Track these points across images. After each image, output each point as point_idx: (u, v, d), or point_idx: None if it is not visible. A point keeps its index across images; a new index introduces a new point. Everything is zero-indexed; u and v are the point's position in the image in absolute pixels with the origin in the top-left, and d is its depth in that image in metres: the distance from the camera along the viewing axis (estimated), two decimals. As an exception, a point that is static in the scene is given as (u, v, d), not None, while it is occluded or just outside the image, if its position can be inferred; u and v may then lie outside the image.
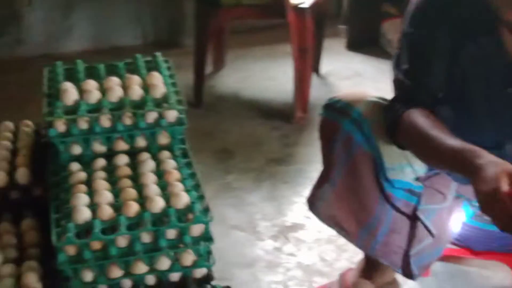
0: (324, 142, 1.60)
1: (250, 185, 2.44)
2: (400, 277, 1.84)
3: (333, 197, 1.58)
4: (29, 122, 2.00)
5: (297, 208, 2.29)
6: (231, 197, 2.37)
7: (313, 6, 2.78)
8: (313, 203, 1.62)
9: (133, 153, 1.75)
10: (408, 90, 1.48)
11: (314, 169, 2.46)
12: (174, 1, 3.57)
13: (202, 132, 2.73)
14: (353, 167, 1.54)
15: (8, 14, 3.40)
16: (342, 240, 2.09)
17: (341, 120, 1.53)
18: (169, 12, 3.60)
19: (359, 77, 3.27)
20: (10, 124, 1.98)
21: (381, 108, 1.52)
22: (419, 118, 1.41)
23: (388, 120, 1.48)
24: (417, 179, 1.57)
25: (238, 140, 2.74)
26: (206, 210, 1.56)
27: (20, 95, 3.03)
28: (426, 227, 1.61)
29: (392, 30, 3.43)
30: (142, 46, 3.52)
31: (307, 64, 2.80)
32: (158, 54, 1.97)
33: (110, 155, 1.73)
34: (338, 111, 1.55)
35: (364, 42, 3.54)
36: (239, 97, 3.11)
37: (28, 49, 3.48)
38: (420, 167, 1.55)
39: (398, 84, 1.51)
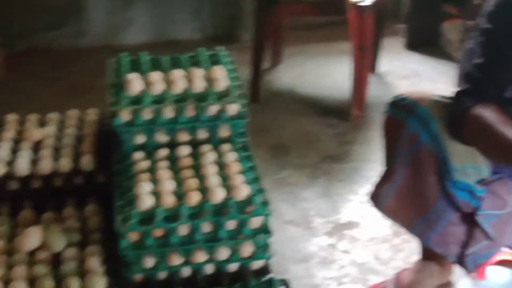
0: (388, 139, 1.60)
1: (304, 181, 2.45)
2: (454, 279, 1.84)
3: (394, 193, 1.59)
4: (94, 111, 2.04)
5: (352, 206, 2.29)
6: (286, 192, 2.38)
7: (373, 4, 2.77)
8: (376, 199, 1.62)
9: (194, 144, 1.78)
10: (479, 83, 1.47)
11: (370, 167, 2.46)
12: (233, -4, 3.60)
13: (257, 127, 2.75)
14: (417, 165, 1.53)
15: (71, 5, 3.48)
16: (398, 240, 2.09)
17: (406, 118, 1.53)
18: (228, 7, 3.63)
19: (417, 77, 3.24)
20: (75, 112, 2.04)
21: (447, 107, 1.51)
22: (490, 113, 1.40)
23: (454, 113, 1.47)
24: (480, 181, 1.55)
25: (294, 136, 2.75)
26: (265, 203, 1.57)
27: (81, 84, 3.10)
28: (484, 231, 1.60)
29: (452, 31, 3.39)
30: (200, 40, 3.56)
31: (365, 63, 2.79)
32: (221, 48, 1.99)
33: (172, 145, 1.77)
34: (403, 109, 1.54)
35: (423, 42, 3.50)
36: (295, 93, 3.12)
37: (89, 40, 3.55)
38: (484, 168, 1.54)
39: (468, 77, 1.50)
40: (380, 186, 1.63)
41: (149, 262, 1.54)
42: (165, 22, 3.65)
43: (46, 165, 1.76)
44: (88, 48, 3.50)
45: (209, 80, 1.81)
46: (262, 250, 1.60)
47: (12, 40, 3.36)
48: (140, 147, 1.75)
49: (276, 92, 3.12)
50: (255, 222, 1.57)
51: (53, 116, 2.00)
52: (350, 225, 2.19)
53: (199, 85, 1.78)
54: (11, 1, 3.35)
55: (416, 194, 1.58)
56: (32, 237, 1.60)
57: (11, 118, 1.98)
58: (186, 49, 2.01)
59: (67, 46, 3.49)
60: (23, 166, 1.75)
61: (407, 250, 2.04)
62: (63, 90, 3.05)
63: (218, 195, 1.56)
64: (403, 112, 1.54)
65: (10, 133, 1.89)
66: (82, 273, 1.53)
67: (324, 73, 3.29)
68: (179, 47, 3.30)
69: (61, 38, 3.50)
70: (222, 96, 1.76)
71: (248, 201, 1.56)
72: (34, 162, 1.79)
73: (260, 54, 3.04)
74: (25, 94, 2.99)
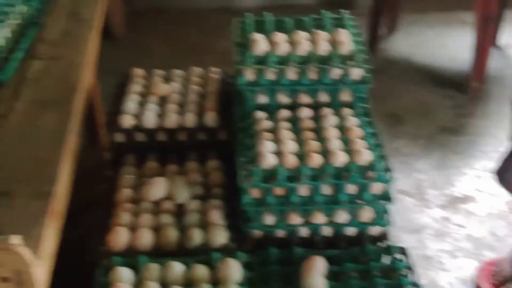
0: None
1: (419, 152, 2.41)
2: None
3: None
4: (216, 70, 2.08)
5: (468, 180, 2.24)
6: (399, 162, 2.35)
7: (501, -27, 2.66)
8: (501, 175, 1.58)
9: (315, 107, 1.78)
10: None
11: (488, 142, 2.39)
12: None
13: (372, 94, 2.68)
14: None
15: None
16: (515, 217, 2.04)
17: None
18: (345, -28, 3.58)
19: (541, 52, 3.10)
20: (199, 70, 2.08)
21: None
22: None
23: None
24: None
25: (409, 106, 2.70)
26: (388, 170, 1.56)
27: (199, 44, 3.16)
28: None
29: None
30: (315, 5, 3.53)
31: (489, 34, 2.69)
32: (345, 11, 1.97)
33: (293, 107, 1.78)
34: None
35: (550, 15, 3.32)
36: (411, 62, 3.05)
37: (206, 1, 3.61)
38: None
39: None
40: (507, 161, 1.58)
41: (269, 219, 1.57)
42: (280, -14, 3.65)
43: (171, 120, 1.82)
44: (205, 9, 3.56)
45: (333, 43, 1.80)
46: (381, 216, 1.59)
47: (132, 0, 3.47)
48: (262, 107, 1.77)
49: (391, 60, 3.07)
50: (376, 188, 1.56)
51: (178, 73, 2.06)
52: (465, 199, 2.15)
53: (323, 48, 1.78)
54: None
55: None
56: (158, 187, 1.66)
57: (138, 72, 2.05)
58: (301, 14, 2.00)
59: (184, 7, 3.56)
60: (150, 119, 1.82)
61: (525, 228, 1.99)
62: (181, 49, 3.12)
63: (340, 158, 1.56)
64: None
65: (138, 87, 1.96)
66: (204, 225, 1.58)
67: (442, 43, 3.20)
68: (293, 12, 3.29)
69: (179, -1, 3.58)
70: (346, 60, 1.75)
71: (370, 166, 1.55)
72: (160, 116, 1.85)
73: (377, 20, 2.99)
74: (144, 51, 3.09)
